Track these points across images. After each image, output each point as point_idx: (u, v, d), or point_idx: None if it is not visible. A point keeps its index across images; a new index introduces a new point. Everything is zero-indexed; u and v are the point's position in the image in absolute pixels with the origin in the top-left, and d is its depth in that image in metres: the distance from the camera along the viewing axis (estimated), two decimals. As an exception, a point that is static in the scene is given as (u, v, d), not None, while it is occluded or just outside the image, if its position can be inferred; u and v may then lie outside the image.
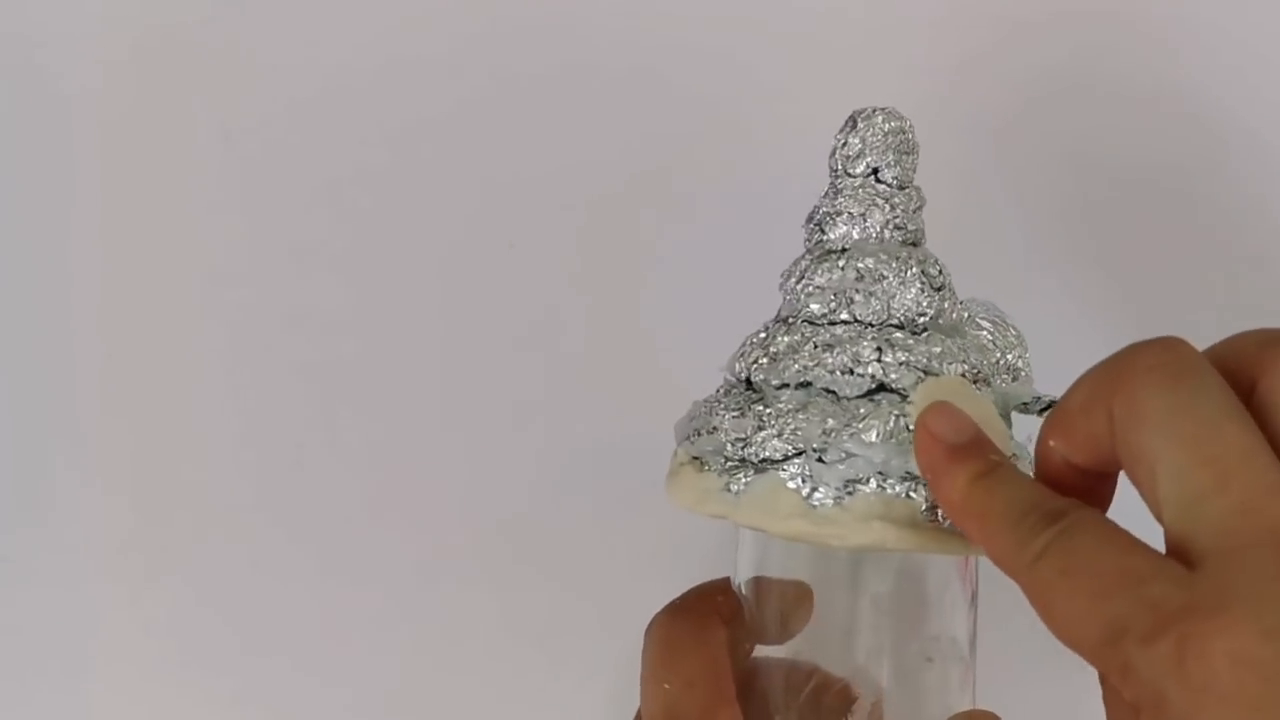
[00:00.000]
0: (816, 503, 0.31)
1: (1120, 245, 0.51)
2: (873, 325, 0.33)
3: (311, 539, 0.50)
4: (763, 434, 0.32)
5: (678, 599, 0.35)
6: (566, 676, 0.48)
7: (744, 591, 0.35)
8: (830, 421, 0.31)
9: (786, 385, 0.33)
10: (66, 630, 0.50)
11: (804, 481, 0.31)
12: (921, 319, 0.33)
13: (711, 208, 0.51)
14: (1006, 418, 0.33)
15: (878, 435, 0.31)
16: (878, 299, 0.33)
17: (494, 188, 0.53)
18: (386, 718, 0.49)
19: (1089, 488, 0.29)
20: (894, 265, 0.33)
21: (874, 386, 0.32)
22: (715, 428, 0.33)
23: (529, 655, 0.48)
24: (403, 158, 0.53)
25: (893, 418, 0.31)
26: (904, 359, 0.32)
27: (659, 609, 0.34)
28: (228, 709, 0.49)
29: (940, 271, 0.34)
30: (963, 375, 0.32)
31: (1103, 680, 0.28)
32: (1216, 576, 0.24)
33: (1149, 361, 0.27)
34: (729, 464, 0.33)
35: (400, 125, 0.53)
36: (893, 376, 0.32)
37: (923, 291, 0.33)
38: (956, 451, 0.29)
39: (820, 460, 0.31)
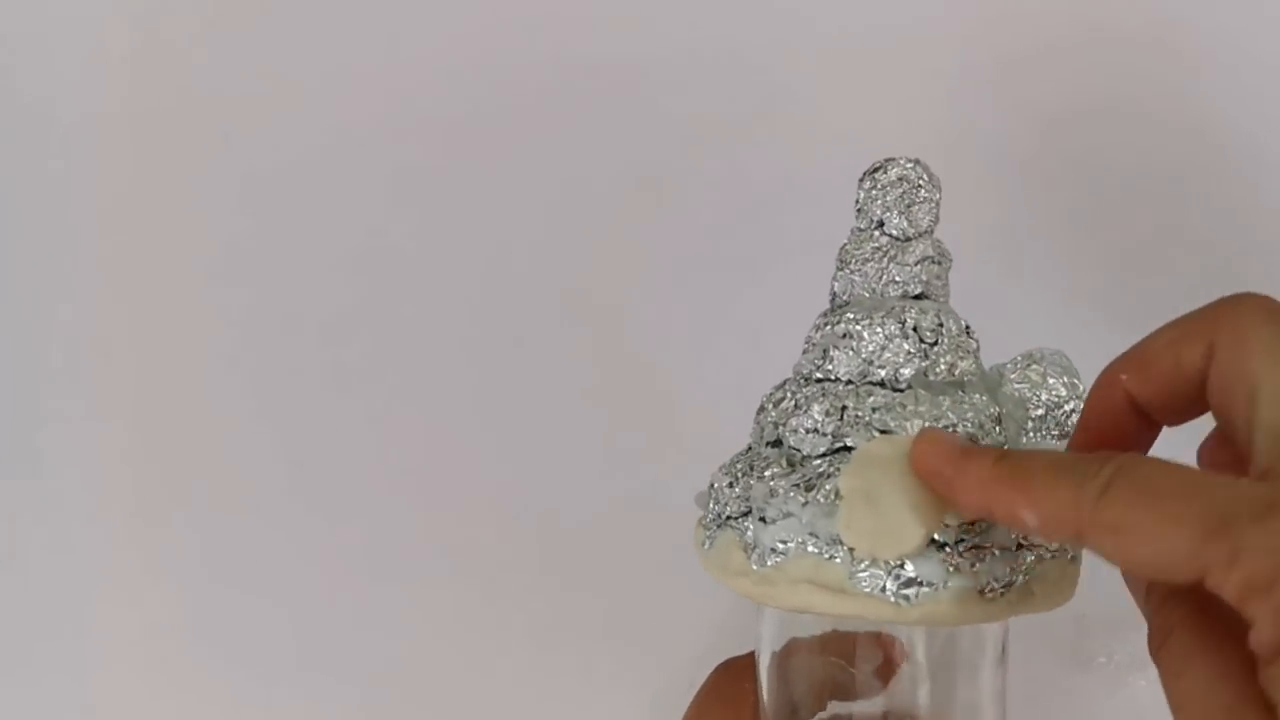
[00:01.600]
0: (755, 562, 0.31)
1: (1135, 257, 0.51)
2: (850, 383, 0.32)
3: (314, 538, 0.50)
4: (730, 491, 0.32)
5: (729, 659, 0.36)
6: (579, 677, 0.48)
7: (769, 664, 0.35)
8: (777, 481, 0.31)
9: (765, 442, 0.33)
10: (66, 630, 0.50)
11: (750, 540, 0.31)
12: (903, 376, 0.32)
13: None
14: None
15: (810, 497, 0.30)
16: (855, 356, 0.32)
17: (496, 188, 0.53)
18: (393, 716, 0.49)
19: (1132, 435, 0.30)
20: (875, 319, 0.32)
21: (836, 446, 0.31)
22: (711, 480, 0.34)
23: (538, 655, 0.48)
24: (404, 158, 0.53)
25: (830, 480, 0.30)
26: (866, 419, 0.31)
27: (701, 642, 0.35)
28: (227, 709, 0.49)
29: (939, 326, 0.32)
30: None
31: (1155, 636, 0.27)
32: None
33: (1255, 303, 0.27)
34: (709, 518, 0.33)
35: (402, 125, 0.53)
36: (852, 437, 0.31)
37: (904, 349, 0.32)
38: (966, 451, 0.28)
39: (762, 520, 0.31)
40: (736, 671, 0.35)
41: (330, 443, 0.51)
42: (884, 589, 0.29)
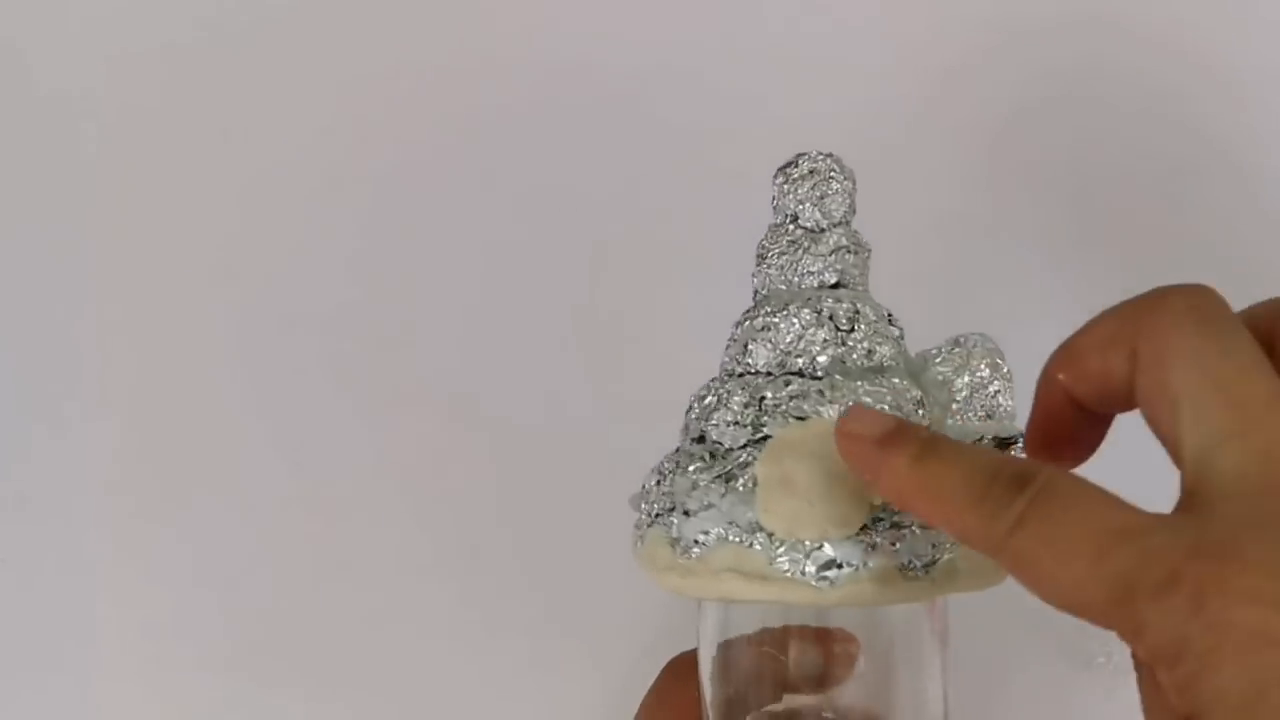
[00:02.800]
0: (680, 555, 0.31)
1: (1116, 247, 0.51)
2: (769, 374, 0.32)
3: (311, 538, 0.50)
4: (657, 488, 0.32)
5: (686, 652, 0.35)
6: (561, 677, 0.48)
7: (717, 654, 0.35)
8: (699, 474, 0.31)
9: (690, 439, 0.33)
10: (65, 630, 0.50)
11: (675, 534, 0.31)
12: (819, 364, 0.32)
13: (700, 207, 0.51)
14: None
15: (729, 487, 0.30)
16: (771, 346, 0.32)
17: (496, 188, 0.53)
18: (392, 716, 0.49)
19: (1082, 431, 0.29)
20: (790, 310, 0.32)
21: (757, 436, 0.31)
22: (644, 482, 0.34)
23: (526, 656, 0.48)
24: (405, 159, 0.53)
25: (749, 469, 0.30)
26: (783, 408, 0.31)
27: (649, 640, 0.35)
28: (227, 709, 0.49)
29: (855, 314, 0.32)
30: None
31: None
32: (1231, 519, 0.23)
33: (1181, 303, 0.26)
34: (642, 516, 0.33)
35: (403, 126, 0.53)
36: (770, 425, 0.31)
37: (819, 336, 0.32)
38: (884, 440, 0.28)
39: (685, 513, 0.31)
40: (683, 671, 0.35)
41: (330, 443, 0.51)
42: (804, 572, 0.29)
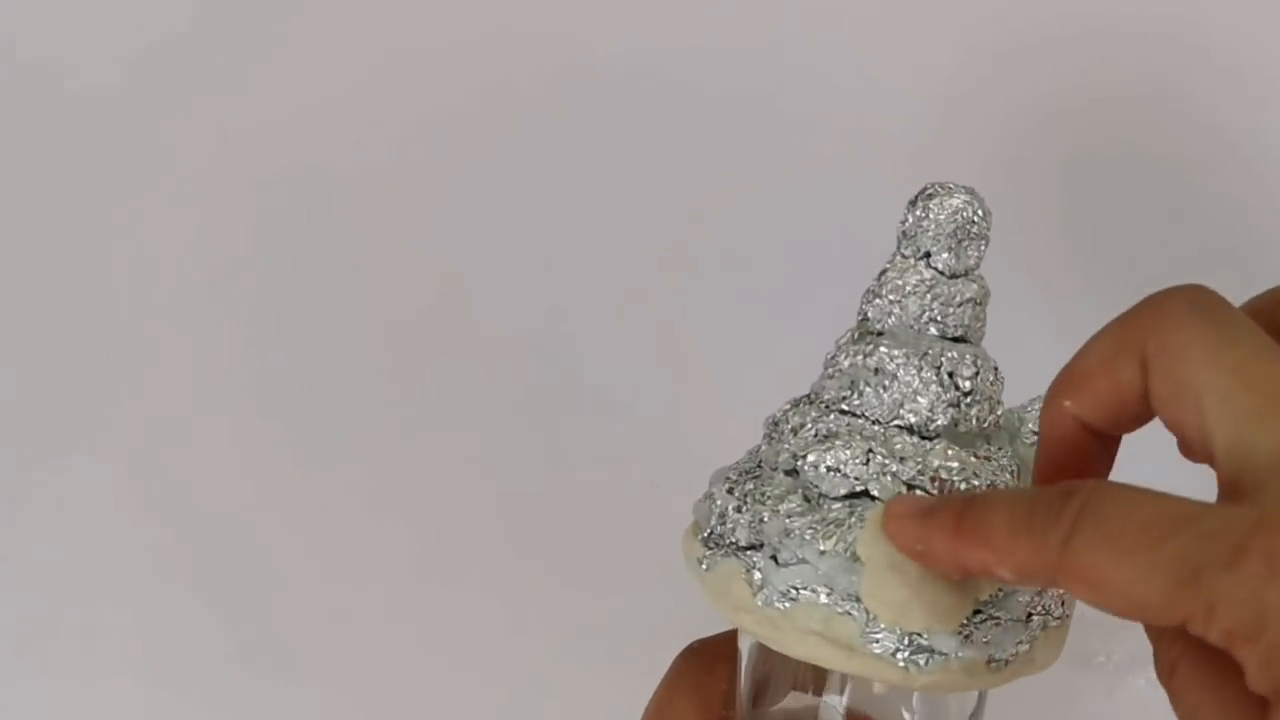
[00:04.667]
0: (762, 602, 0.30)
1: (1124, 250, 0.51)
2: (878, 423, 0.31)
3: (314, 538, 0.50)
4: (738, 515, 0.31)
5: (704, 639, 0.35)
6: (569, 675, 0.48)
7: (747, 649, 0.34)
8: (794, 520, 0.30)
9: (778, 469, 0.31)
10: (65, 630, 0.50)
11: (759, 579, 0.30)
12: (934, 425, 0.31)
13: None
14: None
15: (829, 546, 0.29)
16: (887, 396, 0.31)
17: (497, 188, 0.53)
18: (393, 716, 0.49)
19: (1094, 456, 0.29)
20: (913, 363, 0.31)
21: (856, 490, 0.30)
22: (712, 494, 0.32)
23: (531, 655, 0.48)
24: (405, 159, 0.53)
25: (850, 531, 0.29)
26: (893, 469, 0.30)
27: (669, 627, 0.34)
28: (226, 710, 0.49)
29: (976, 374, 0.31)
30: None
31: (1162, 667, 0.26)
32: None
33: (1180, 302, 0.26)
34: (709, 536, 0.32)
35: (404, 126, 0.53)
36: (874, 485, 0.30)
37: (940, 396, 0.31)
38: (928, 513, 0.28)
39: (774, 559, 0.30)
40: (704, 659, 0.34)
41: (334, 441, 0.51)
42: (895, 654, 0.28)
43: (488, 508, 0.50)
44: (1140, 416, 0.27)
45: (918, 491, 0.30)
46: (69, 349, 0.52)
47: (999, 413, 0.32)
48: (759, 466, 0.32)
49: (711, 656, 0.34)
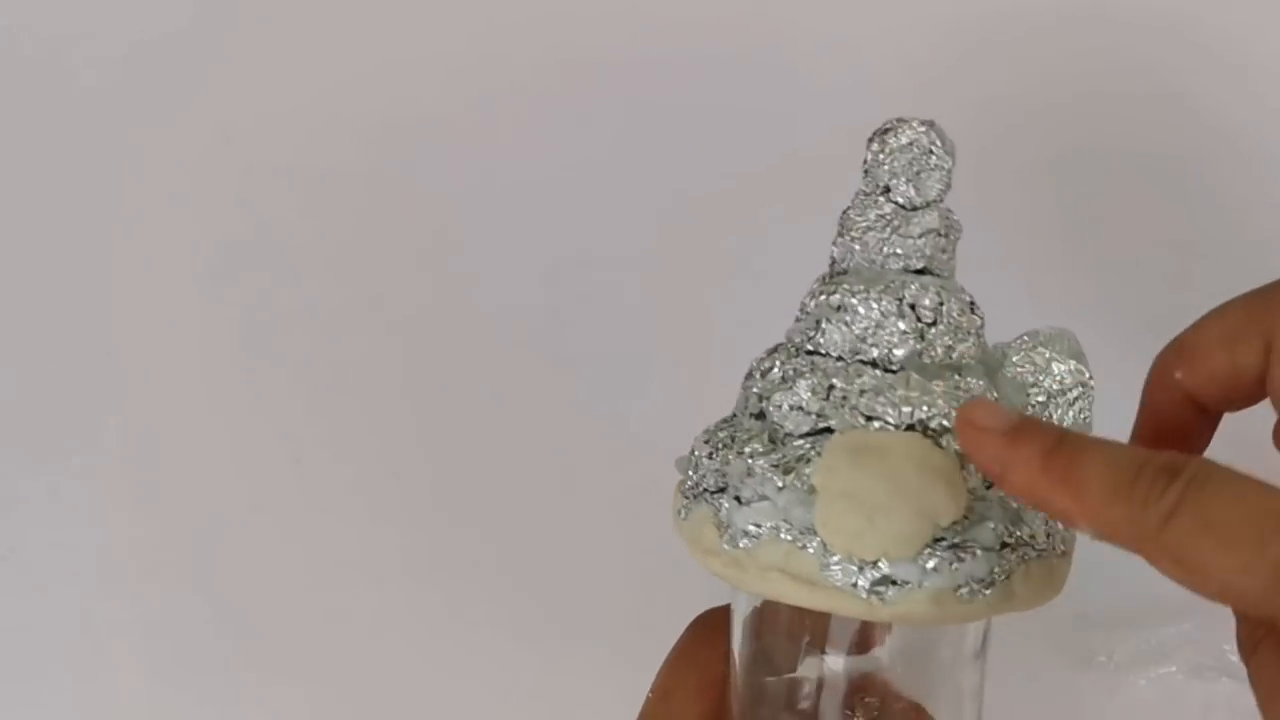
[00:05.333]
0: (727, 543, 0.30)
1: (1113, 242, 0.51)
2: (841, 359, 0.31)
3: (310, 539, 0.50)
4: (709, 462, 0.31)
5: (713, 609, 0.34)
6: (566, 677, 0.48)
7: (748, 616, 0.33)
8: (756, 460, 0.30)
9: (748, 414, 0.31)
10: (65, 630, 0.50)
11: (724, 518, 0.30)
12: (896, 356, 0.30)
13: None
14: None
15: (787, 481, 0.29)
16: (849, 331, 0.31)
17: (493, 187, 0.53)
18: (392, 716, 0.49)
19: (1195, 430, 0.28)
20: (871, 294, 0.31)
21: (819, 427, 0.30)
22: (693, 446, 0.32)
23: (531, 656, 0.48)
24: (404, 156, 0.53)
25: (808, 465, 0.29)
26: (852, 402, 0.29)
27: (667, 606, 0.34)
28: (226, 710, 0.49)
29: (940, 305, 0.31)
30: (922, 425, 0.29)
31: (1246, 644, 0.26)
32: None
33: None
34: (686, 484, 0.32)
35: (403, 126, 0.53)
36: (835, 418, 0.29)
37: (901, 328, 0.30)
38: (1013, 433, 0.26)
39: (737, 499, 0.30)
40: (710, 629, 0.34)
41: (332, 442, 0.51)
42: (856, 584, 0.28)
43: (487, 508, 0.50)
44: (1252, 398, 0.27)
45: (875, 425, 0.29)
46: (68, 348, 0.52)
47: (972, 346, 0.31)
48: (734, 415, 0.32)
49: (718, 626, 0.34)
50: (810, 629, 0.33)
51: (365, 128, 0.53)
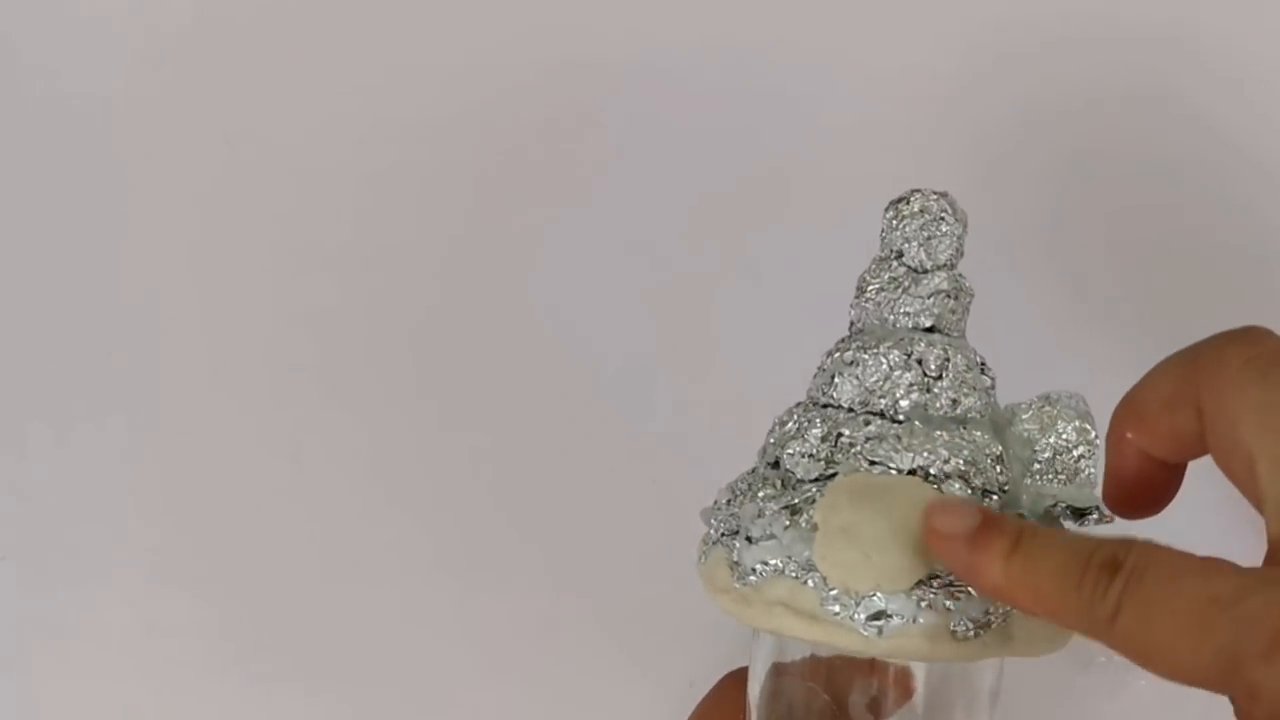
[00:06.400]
0: (737, 580, 0.31)
1: (1121, 252, 0.51)
2: (851, 410, 0.32)
3: (311, 539, 0.50)
4: (727, 508, 0.33)
5: (739, 668, 0.35)
6: (566, 678, 0.48)
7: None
8: (767, 502, 0.31)
9: (766, 463, 0.33)
10: (65, 630, 0.50)
11: (735, 558, 0.31)
12: (901, 407, 0.32)
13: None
14: (1045, 517, 0.32)
15: (793, 520, 0.30)
16: (857, 383, 0.32)
17: (497, 185, 0.53)
18: (391, 716, 0.49)
19: (1161, 479, 0.29)
20: (880, 349, 0.32)
21: (829, 472, 0.31)
22: (716, 498, 0.34)
23: (528, 657, 0.48)
24: (406, 158, 0.53)
25: (811, 505, 0.30)
26: (858, 448, 0.31)
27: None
28: (227, 709, 0.49)
29: (945, 360, 0.32)
30: (924, 471, 0.31)
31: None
32: None
33: (1238, 357, 0.26)
34: (710, 532, 0.33)
35: (404, 127, 0.53)
36: (842, 464, 0.31)
37: (906, 380, 0.32)
38: (975, 538, 0.28)
39: (748, 539, 0.31)
40: (743, 683, 0.35)
41: (337, 441, 0.51)
42: (854, 618, 0.29)
43: (493, 508, 0.50)
44: (1201, 452, 0.28)
45: (878, 470, 0.31)
46: (69, 348, 0.52)
47: (979, 402, 0.32)
48: (754, 470, 0.34)
49: (746, 682, 0.35)
50: (826, 683, 0.34)
51: (366, 128, 0.54)
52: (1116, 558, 0.25)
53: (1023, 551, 0.27)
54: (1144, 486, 0.30)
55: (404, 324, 0.52)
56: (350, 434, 0.51)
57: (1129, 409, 0.29)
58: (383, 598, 0.49)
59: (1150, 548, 0.25)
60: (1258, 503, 0.26)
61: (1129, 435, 0.29)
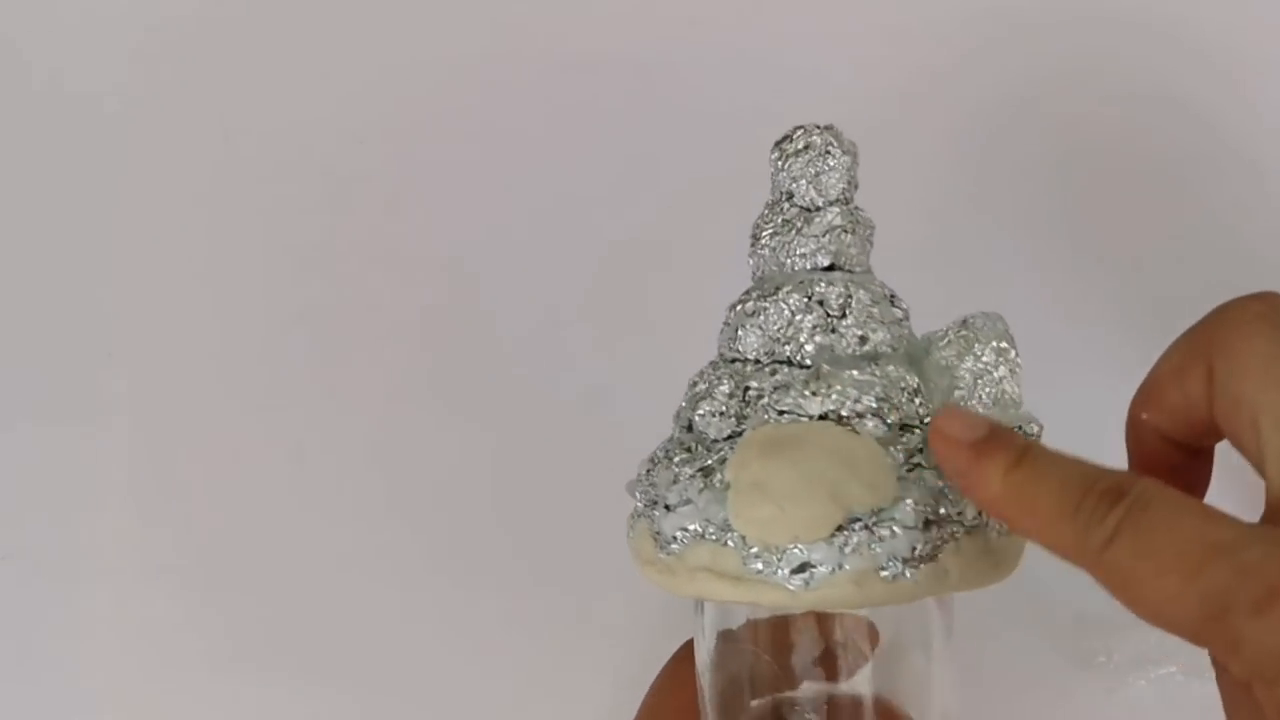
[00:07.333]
0: (660, 550, 0.30)
1: (1115, 242, 0.51)
2: (758, 362, 0.31)
3: (311, 539, 0.50)
4: (647, 478, 0.32)
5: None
6: (565, 677, 0.48)
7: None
8: (680, 468, 0.30)
9: (681, 427, 0.32)
10: (65, 630, 0.50)
11: (657, 529, 0.30)
12: (807, 351, 0.31)
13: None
14: None
15: (707, 482, 0.29)
16: (760, 332, 0.31)
17: (496, 184, 0.53)
18: (392, 715, 0.49)
19: (1185, 467, 0.28)
20: (779, 294, 0.31)
21: (741, 429, 0.30)
22: (639, 469, 0.33)
23: (528, 656, 0.48)
24: (406, 156, 0.53)
25: (723, 466, 0.29)
26: (765, 400, 0.30)
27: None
28: (228, 708, 0.49)
29: (848, 297, 0.31)
30: (835, 414, 0.29)
31: (1216, 666, 0.26)
32: None
33: (1248, 312, 0.26)
34: (635, 505, 0.33)
35: (404, 127, 0.53)
36: (750, 419, 0.30)
37: (809, 323, 0.31)
38: (979, 446, 0.27)
39: (666, 507, 0.30)
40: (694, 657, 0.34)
41: (332, 440, 0.51)
42: (778, 574, 0.28)
43: (492, 508, 0.50)
44: (1211, 428, 0.27)
45: (788, 419, 0.29)
46: (69, 348, 0.52)
47: (888, 335, 0.31)
48: (671, 436, 0.33)
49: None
50: (770, 645, 0.33)
51: (366, 128, 0.54)
52: (1121, 486, 0.24)
53: (1026, 466, 0.26)
54: (1167, 469, 0.28)
55: (405, 322, 0.52)
56: (351, 433, 0.51)
57: (1141, 389, 0.28)
58: (382, 597, 0.49)
59: (1157, 484, 0.24)
60: (1258, 462, 0.25)
61: (1144, 416, 0.28)
